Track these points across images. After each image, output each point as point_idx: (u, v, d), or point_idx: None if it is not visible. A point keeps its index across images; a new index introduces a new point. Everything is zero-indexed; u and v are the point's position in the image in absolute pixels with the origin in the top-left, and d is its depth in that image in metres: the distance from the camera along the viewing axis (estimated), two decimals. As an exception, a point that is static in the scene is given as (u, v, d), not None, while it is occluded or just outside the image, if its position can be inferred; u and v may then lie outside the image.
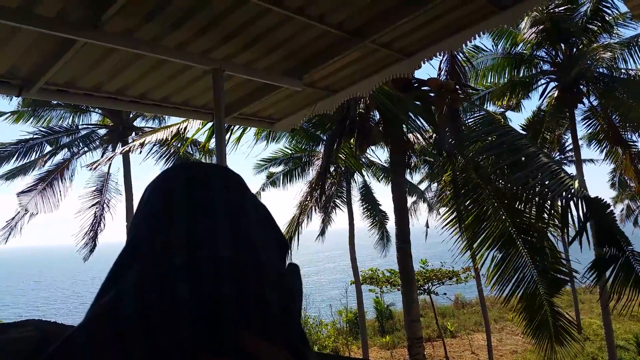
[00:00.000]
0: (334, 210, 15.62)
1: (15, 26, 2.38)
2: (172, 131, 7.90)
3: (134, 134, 15.01)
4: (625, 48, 11.88)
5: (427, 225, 19.46)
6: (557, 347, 7.26)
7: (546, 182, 6.02)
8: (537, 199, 6.47)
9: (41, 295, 47.68)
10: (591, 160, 26.22)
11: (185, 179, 0.54)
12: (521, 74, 13.12)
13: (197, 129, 7.42)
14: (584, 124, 12.49)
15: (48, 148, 14.41)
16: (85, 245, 14.09)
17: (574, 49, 12.38)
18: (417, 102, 8.22)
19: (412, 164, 13.71)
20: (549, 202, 6.32)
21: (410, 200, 18.20)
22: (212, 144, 7.62)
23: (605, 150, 12.41)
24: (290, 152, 15.38)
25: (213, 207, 0.51)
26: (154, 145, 13.02)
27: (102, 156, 14.77)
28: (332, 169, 12.90)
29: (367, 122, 8.12)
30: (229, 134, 7.53)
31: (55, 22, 2.40)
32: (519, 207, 7.03)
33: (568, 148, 18.93)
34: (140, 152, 9.26)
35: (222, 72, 3.15)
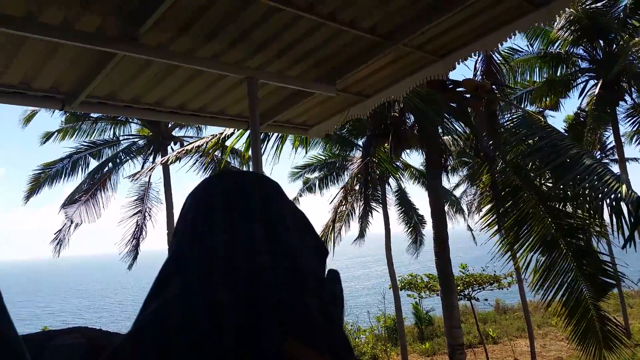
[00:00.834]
0: (370, 215, 15.55)
1: (58, 42, 2.48)
2: (209, 141, 8.04)
3: (172, 143, 15.41)
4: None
5: (469, 229, 19.01)
6: (606, 353, 6.95)
7: (594, 184, 5.81)
8: (582, 201, 6.25)
9: (84, 304, 49.31)
10: (635, 159, 25.00)
11: (223, 188, 0.56)
12: (559, 73, 12.74)
13: (235, 138, 7.52)
14: (627, 121, 12.02)
15: (92, 160, 15.00)
16: (127, 253, 14.52)
17: (614, 45, 11.93)
18: (452, 104, 8.09)
19: (449, 167, 13.49)
20: (594, 204, 6.09)
21: (446, 204, 17.90)
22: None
23: (649, 148, 11.87)
24: (324, 158, 15.43)
25: (251, 215, 0.52)
26: (193, 155, 13.30)
27: (142, 166, 15.25)
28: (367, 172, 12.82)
29: (401, 125, 8.05)
30: (265, 142, 7.61)
31: (95, 37, 2.50)
32: (564, 209, 6.81)
33: (609, 146, 18.20)
34: (179, 161, 9.48)
35: (256, 80, 3.18)
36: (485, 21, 3.12)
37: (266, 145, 7.77)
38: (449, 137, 9.06)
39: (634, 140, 12.81)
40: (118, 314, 39.24)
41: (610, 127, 12.98)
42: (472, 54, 3.49)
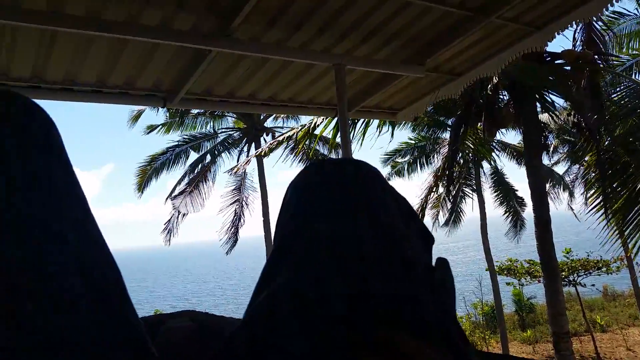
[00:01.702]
0: (463, 200, 15.01)
1: (157, 42, 2.66)
2: (299, 131, 8.22)
3: (264, 134, 16.02)
4: None
5: (570, 209, 17.61)
6: None
7: None
8: None
9: (189, 288, 52.88)
10: None
11: (323, 176, 0.55)
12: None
13: (323, 127, 7.62)
14: None
15: (192, 153, 16.03)
16: (227, 240, 15.39)
17: None
18: (551, 77, 7.52)
19: (550, 146, 12.59)
20: None
21: (548, 185, 16.73)
22: (338, 138, 7.78)
23: None
24: (413, 142, 15.10)
25: (352, 203, 0.51)
26: (286, 147, 13.65)
27: (238, 157, 16.03)
28: (459, 156, 12.37)
29: (495, 103, 7.65)
30: (352, 128, 7.62)
31: (191, 34, 2.65)
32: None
33: None
34: (272, 152, 9.83)
35: (343, 66, 3.20)
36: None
37: (354, 133, 7.79)
38: (547, 114, 8.44)
39: None
40: (219, 297, 41.62)
41: None
42: (573, 23, 3.21)
